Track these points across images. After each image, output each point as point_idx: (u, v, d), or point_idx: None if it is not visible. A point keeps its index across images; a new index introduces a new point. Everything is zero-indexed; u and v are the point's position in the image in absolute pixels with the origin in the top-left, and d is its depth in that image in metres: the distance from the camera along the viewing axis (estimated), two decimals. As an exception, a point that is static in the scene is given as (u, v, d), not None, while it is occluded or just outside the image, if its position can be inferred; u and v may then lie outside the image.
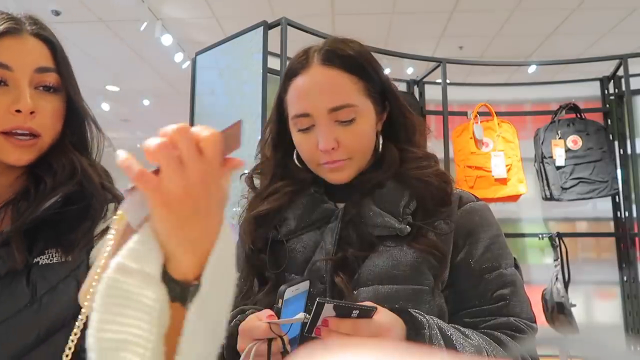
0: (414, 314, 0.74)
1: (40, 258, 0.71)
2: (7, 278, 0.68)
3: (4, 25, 0.70)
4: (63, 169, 0.76)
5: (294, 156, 0.92)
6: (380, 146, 0.89)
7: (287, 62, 2.05)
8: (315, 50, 0.85)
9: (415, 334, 0.71)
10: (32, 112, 0.71)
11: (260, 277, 0.89)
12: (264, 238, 0.89)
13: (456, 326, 0.77)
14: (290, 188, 0.90)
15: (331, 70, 0.83)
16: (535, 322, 0.83)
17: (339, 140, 0.82)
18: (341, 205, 0.88)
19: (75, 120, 0.80)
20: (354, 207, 0.85)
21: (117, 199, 0.80)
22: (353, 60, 0.84)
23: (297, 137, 0.86)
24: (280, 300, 0.70)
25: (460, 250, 0.83)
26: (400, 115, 0.90)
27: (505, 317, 0.80)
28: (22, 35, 0.72)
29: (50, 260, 0.71)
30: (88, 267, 0.72)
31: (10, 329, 0.66)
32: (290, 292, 0.72)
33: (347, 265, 0.82)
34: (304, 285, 0.77)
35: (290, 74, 0.86)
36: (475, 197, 0.90)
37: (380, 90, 0.88)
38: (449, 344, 0.72)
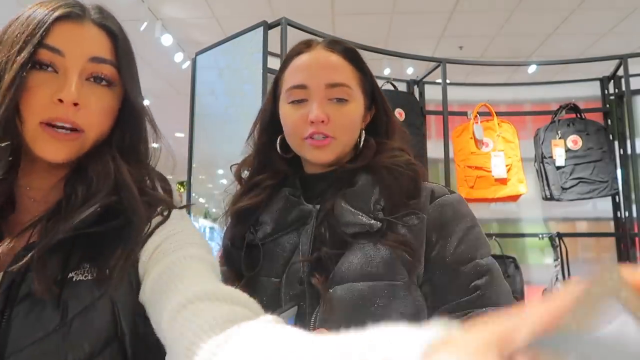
0: None
1: (75, 273, 0.61)
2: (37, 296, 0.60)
3: (65, 9, 0.64)
4: (99, 178, 0.66)
5: (277, 142, 0.93)
6: (362, 141, 0.90)
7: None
8: (318, 40, 0.91)
9: None
10: (76, 104, 0.63)
11: (237, 275, 0.90)
12: (241, 237, 0.90)
13: None
14: (269, 182, 0.92)
15: (334, 54, 0.88)
16: None
17: (329, 116, 0.84)
18: (317, 206, 0.88)
19: (129, 121, 0.71)
20: (327, 207, 0.86)
21: (164, 205, 0.70)
22: (354, 52, 0.90)
23: (286, 109, 0.88)
24: None
25: (434, 245, 0.83)
26: (384, 115, 0.93)
27: (481, 308, 0.78)
28: (83, 22, 0.66)
29: (85, 277, 0.61)
30: (131, 285, 0.63)
31: (33, 357, 0.57)
32: (281, 318, 0.73)
33: (322, 265, 0.82)
34: (293, 311, 0.79)
35: (291, 54, 0.91)
36: (449, 190, 0.90)
37: (370, 89, 0.92)
38: None
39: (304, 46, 0.90)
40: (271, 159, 0.93)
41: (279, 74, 0.92)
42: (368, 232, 0.82)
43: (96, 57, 0.65)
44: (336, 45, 0.90)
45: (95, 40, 0.66)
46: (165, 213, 0.69)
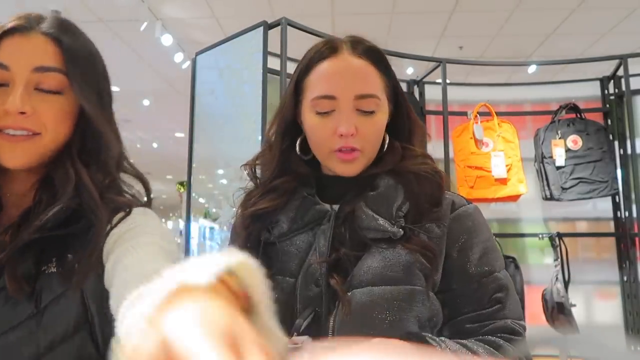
0: (428, 339, 0.75)
1: (48, 266, 0.67)
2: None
3: (15, 23, 0.67)
4: (62, 185, 0.70)
5: (297, 144, 0.91)
6: (386, 144, 0.89)
7: (287, 62, 2.05)
8: (341, 41, 0.86)
9: None
10: (23, 113, 0.66)
11: None
12: (256, 238, 0.89)
13: (460, 341, 0.78)
14: (289, 185, 0.90)
15: (361, 60, 0.84)
16: (523, 319, 0.85)
17: (358, 128, 0.82)
18: (334, 207, 0.87)
19: (86, 126, 0.73)
20: (347, 209, 0.85)
21: (126, 205, 0.73)
22: (378, 54, 0.87)
23: (312, 120, 0.85)
24: (295, 334, 0.71)
25: (454, 255, 0.83)
26: (406, 116, 0.91)
27: (502, 320, 0.80)
28: (29, 34, 0.68)
29: (57, 269, 0.67)
30: (98, 275, 0.67)
31: (8, 343, 0.62)
32: (304, 325, 0.75)
33: (341, 266, 0.82)
34: (311, 318, 0.79)
35: (316, 58, 0.86)
36: (466, 200, 0.90)
37: (394, 92, 0.90)
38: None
39: (328, 50, 0.85)
40: (291, 163, 0.91)
41: (301, 77, 0.87)
42: (390, 238, 0.81)
43: (40, 66, 0.67)
44: (359, 46, 0.85)
45: (40, 49, 0.68)
46: (127, 210, 0.72)
